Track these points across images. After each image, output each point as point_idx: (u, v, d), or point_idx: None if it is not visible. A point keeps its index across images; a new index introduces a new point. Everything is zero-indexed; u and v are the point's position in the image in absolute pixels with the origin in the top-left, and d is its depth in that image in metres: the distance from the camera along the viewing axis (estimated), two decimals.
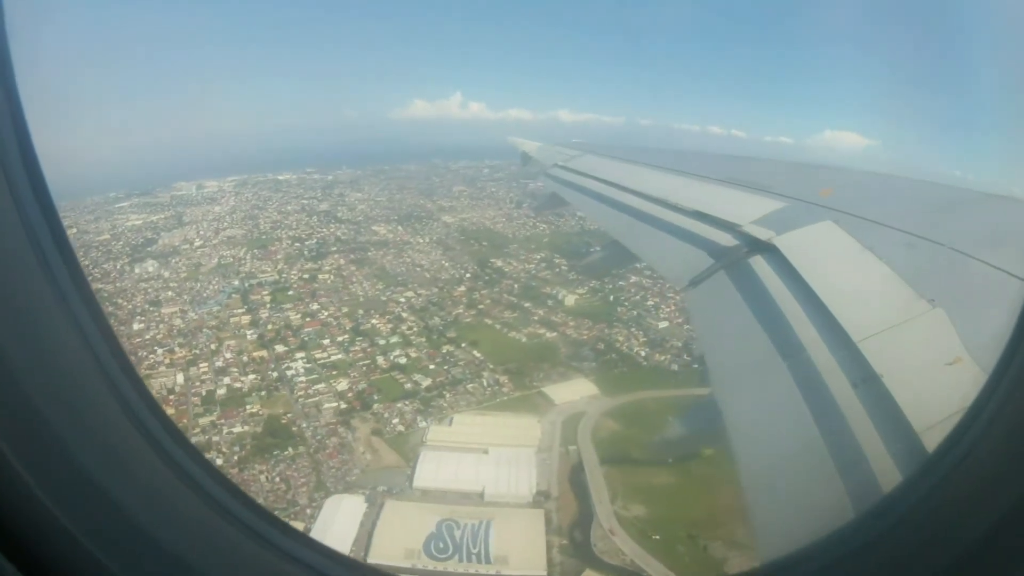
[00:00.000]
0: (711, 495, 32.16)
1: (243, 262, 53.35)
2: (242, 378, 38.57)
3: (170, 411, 33.80)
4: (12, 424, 1.65)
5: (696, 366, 48.20)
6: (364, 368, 40.69)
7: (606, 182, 11.55)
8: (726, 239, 6.91)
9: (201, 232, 58.26)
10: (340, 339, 43.63)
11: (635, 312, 53.65)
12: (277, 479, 31.83)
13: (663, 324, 52.00)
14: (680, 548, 29.84)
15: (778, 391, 4.22)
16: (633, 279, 60.07)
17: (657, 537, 30.31)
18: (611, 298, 55.69)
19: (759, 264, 5.97)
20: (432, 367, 41.39)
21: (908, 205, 6.54)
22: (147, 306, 44.74)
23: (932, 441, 2.95)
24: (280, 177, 76.86)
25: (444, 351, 43.23)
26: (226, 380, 38.19)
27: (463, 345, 44.08)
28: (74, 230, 52.90)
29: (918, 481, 2.40)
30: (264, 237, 59.05)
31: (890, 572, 1.98)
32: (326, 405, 36.94)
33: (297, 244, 57.93)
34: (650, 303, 55.49)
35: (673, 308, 55.05)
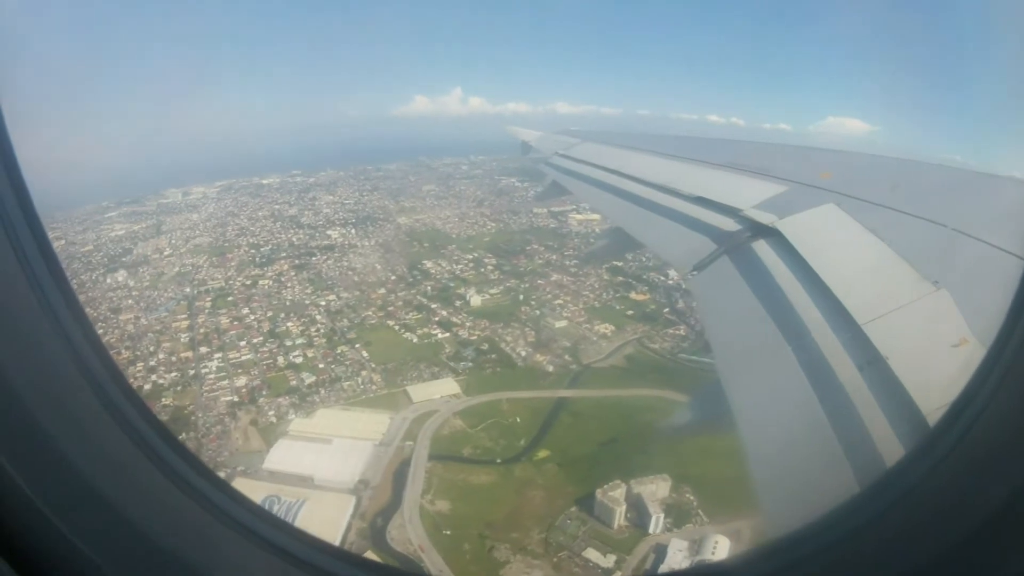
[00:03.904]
0: (520, 499, 35.60)
1: (200, 269, 59.25)
2: (166, 375, 46.04)
3: None
4: (5, 428, 1.76)
5: (574, 367, 51.01)
6: (265, 367, 46.99)
7: (607, 169, 11.55)
8: (728, 224, 6.95)
9: (173, 241, 64.03)
10: (255, 341, 49.80)
11: (538, 312, 55.61)
12: None
13: (561, 324, 53.97)
14: (466, 546, 32.42)
15: (784, 374, 4.25)
16: (554, 277, 62.63)
17: (448, 532, 33.10)
18: (520, 297, 57.93)
19: (762, 248, 6.02)
20: (322, 366, 46.99)
21: (910, 187, 6.64)
22: (109, 314, 51.47)
23: None
24: (264, 181, 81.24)
25: (338, 351, 48.68)
26: (153, 377, 45.72)
27: (356, 346, 49.37)
28: (63, 241, 58.39)
29: (914, 463, 2.44)
30: (226, 244, 64.32)
31: (891, 551, 2.01)
32: (223, 399, 43.77)
33: (253, 251, 63.25)
34: (558, 302, 57.19)
35: (581, 307, 56.84)
